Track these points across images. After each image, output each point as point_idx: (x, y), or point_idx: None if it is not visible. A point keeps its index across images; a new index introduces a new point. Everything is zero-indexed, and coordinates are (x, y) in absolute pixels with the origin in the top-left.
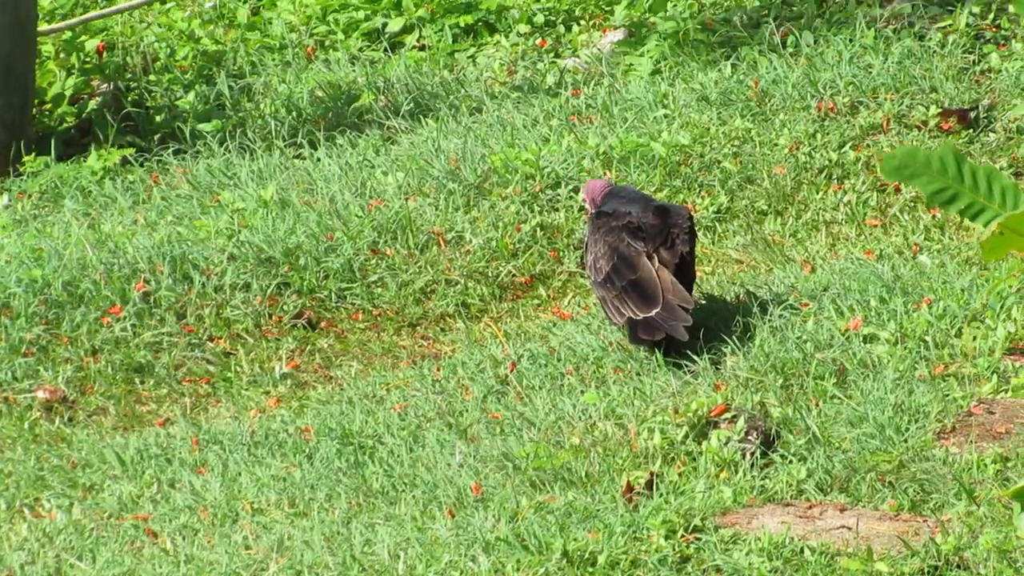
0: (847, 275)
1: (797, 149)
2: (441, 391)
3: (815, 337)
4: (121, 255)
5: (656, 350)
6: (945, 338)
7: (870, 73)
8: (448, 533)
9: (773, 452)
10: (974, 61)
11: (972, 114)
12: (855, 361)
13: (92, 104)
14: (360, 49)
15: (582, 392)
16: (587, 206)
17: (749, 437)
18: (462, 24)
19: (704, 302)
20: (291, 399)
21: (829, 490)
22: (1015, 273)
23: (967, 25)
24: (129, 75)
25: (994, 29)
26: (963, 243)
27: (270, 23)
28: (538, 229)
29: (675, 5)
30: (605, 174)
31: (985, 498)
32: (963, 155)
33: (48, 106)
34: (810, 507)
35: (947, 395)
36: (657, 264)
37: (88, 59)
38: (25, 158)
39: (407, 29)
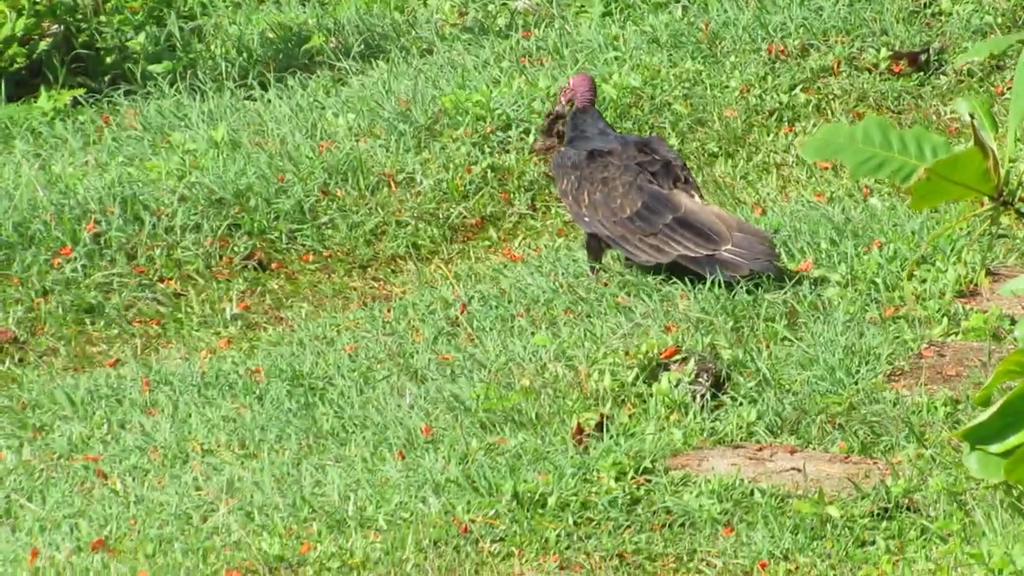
0: (797, 217)
1: (748, 91)
2: (392, 332)
3: (766, 280)
4: (72, 196)
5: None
6: (896, 280)
7: (821, 15)
8: (398, 474)
9: (723, 394)
10: (925, 4)
11: (923, 57)
12: (805, 303)
13: (42, 45)
14: None
15: (532, 334)
16: (571, 98)
17: (699, 379)
18: None
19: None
20: (241, 340)
21: (779, 432)
22: (965, 215)
23: None
24: (79, 16)
25: None
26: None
27: None
28: (489, 171)
29: None
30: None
31: (935, 440)
32: (889, 124)
33: None
34: (760, 449)
35: (897, 337)
36: (699, 200)
37: (38, 0)
38: None
39: None
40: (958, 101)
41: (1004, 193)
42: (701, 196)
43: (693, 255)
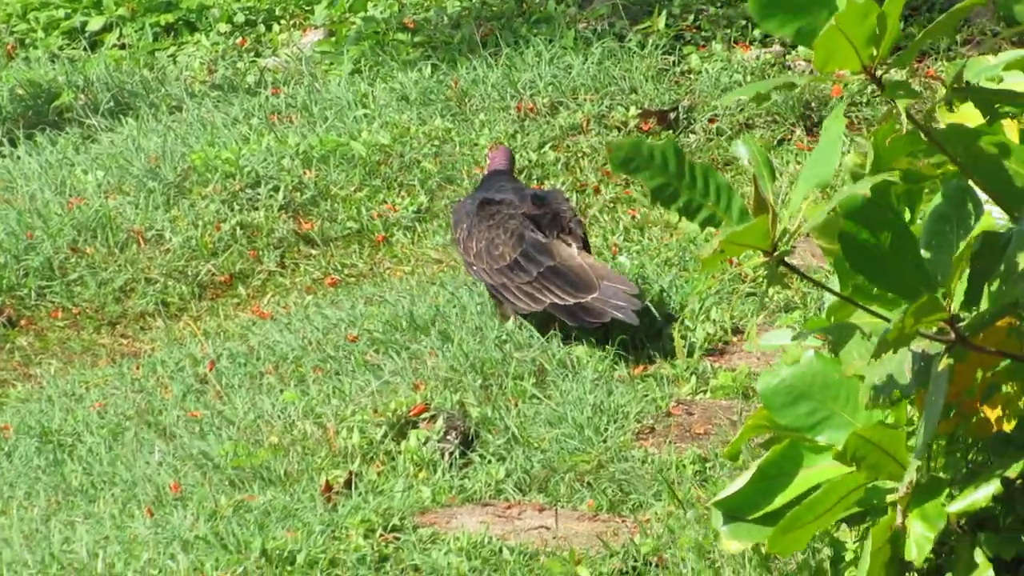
0: None
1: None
2: (140, 389)
3: (514, 337)
4: None
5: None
6: (644, 339)
7: (570, 74)
8: (147, 531)
9: (472, 452)
10: (674, 62)
11: (672, 115)
12: (554, 361)
13: None
14: (60, 47)
15: (281, 391)
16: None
17: (448, 437)
18: (162, 23)
19: (407, 299)
20: None
21: (528, 490)
22: (714, 275)
23: (667, 26)
24: None
25: (694, 30)
26: (663, 244)
27: None
28: (238, 228)
29: (375, 5)
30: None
31: (684, 498)
32: (684, 152)
33: None
34: (509, 507)
35: (646, 395)
36: (575, 249)
37: None
38: None
39: (107, 28)
40: (737, 144)
41: (778, 249)
42: (586, 246)
43: (562, 303)
